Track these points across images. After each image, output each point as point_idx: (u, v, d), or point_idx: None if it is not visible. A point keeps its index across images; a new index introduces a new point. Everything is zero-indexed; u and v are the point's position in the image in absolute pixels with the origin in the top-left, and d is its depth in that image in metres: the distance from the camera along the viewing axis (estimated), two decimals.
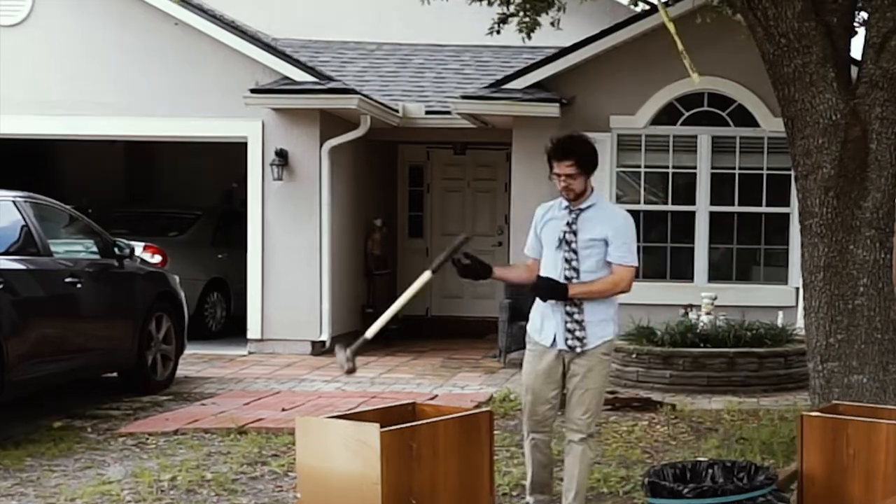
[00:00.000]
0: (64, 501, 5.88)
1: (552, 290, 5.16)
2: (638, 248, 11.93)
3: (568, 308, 5.19)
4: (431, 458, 4.25)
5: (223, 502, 5.89)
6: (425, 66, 14.56)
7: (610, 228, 5.17)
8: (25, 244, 7.84)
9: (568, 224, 5.20)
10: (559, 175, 5.11)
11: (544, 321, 5.25)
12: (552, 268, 5.21)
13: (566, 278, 5.17)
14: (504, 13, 10.08)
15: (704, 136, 11.76)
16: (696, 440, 7.58)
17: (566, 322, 5.19)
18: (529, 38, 10.07)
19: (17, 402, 7.68)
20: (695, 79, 7.10)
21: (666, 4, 10.54)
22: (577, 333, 5.18)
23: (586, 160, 5.11)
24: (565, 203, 5.20)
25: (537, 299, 5.29)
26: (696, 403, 9.05)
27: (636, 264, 5.30)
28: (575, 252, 5.17)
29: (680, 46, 6.87)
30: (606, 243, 5.17)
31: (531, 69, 11.74)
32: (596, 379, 5.23)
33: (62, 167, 15.33)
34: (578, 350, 5.19)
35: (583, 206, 5.19)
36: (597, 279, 5.19)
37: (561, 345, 5.19)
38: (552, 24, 10.04)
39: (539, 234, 5.33)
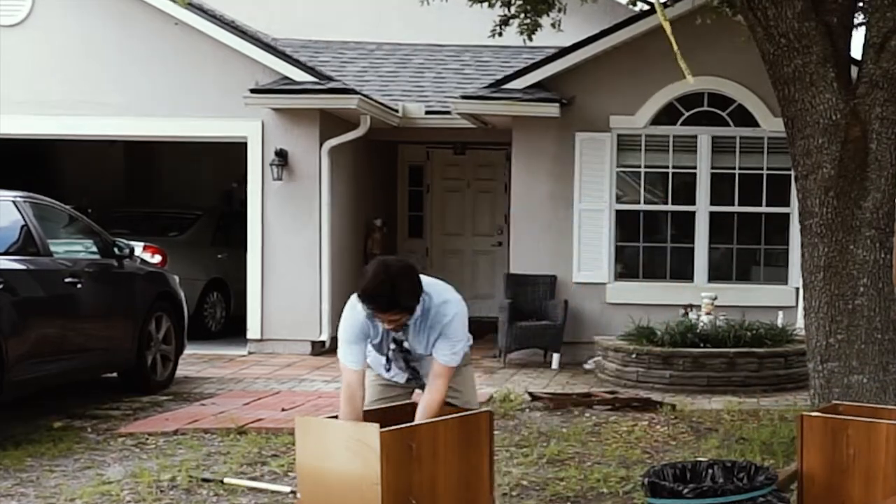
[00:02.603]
0: (64, 501, 5.88)
1: None
2: (638, 248, 11.81)
3: (409, 374, 4.92)
4: (431, 459, 4.25)
5: (223, 502, 5.89)
6: (425, 66, 14.56)
7: (439, 331, 4.64)
8: (25, 244, 7.84)
9: (397, 342, 4.74)
10: (382, 320, 4.55)
11: (395, 377, 4.99)
12: (392, 366, 4.89)
13: (411, 372, 4.90)
14: (505, 15, 10.10)
15: (704, 136, 11.76)
16: (696, 440, 7.58)
17: (416, 384, 4.97)
18: (531, 39, 10.09)
19: (17, 402, 7.69)
20: (689, 80, 7.09)
21: (665, 5, 10.57)
22: (420, 382, 4.94)
23: (412, 302, 4.50)
24: None
25: (378, 361, 4.90)
26: (696, 403, 9.05)
27: (458, 363, 4.75)
28: (415, 370, 4.86)
29: (675, 48, 6.87)
30: (437, 342, 4.67)
31: (531, 69, 11.74)
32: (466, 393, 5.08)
33: (62, 167, 15.33)
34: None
35: (408, 321, 4.62)
36: (426, 404, 4.62)
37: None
38: (553, 25, 10.06)
39: (370, 341, 4.73)
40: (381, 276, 4.42)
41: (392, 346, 4.76)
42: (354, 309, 4.64)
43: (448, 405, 4.74)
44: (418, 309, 4.57)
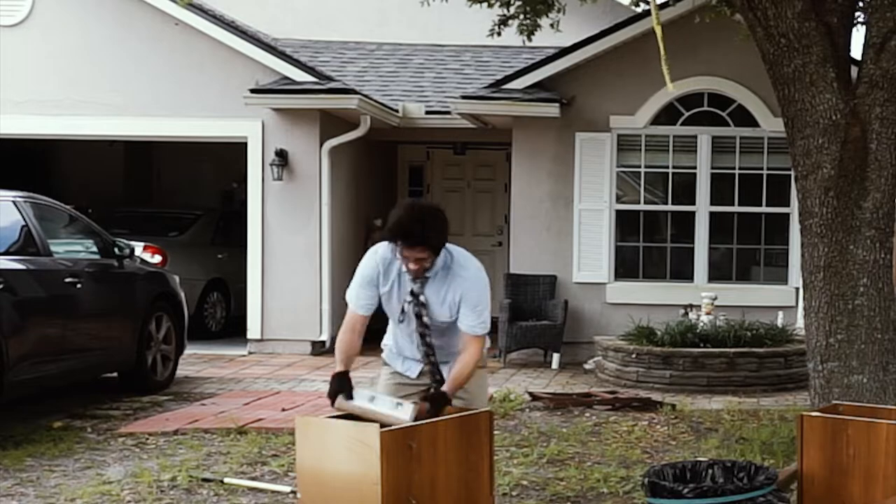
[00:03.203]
0: (64, 501, 5.88)
1: (441, 404, 4.63)
2: (638, 248, 11.81)
3: (425, 349, 4.80)
4: (431, 458, 4.25)
5: (223, 502, 5.89)
6: (425, 66, 14.56)
7: (460, 293, 4.65)
8: (25, 244, 7.84)
9: (414, 294, 4.67)
10: (407, 258, 4.54)
11: (408, 359, 4.94)
12: (407, 342, 4.84)
13: (425, 354, 4.79)
14: (504, 15, 10.09)
15: (704, 136, 11.76)
16: (696, 440, 7.58)
17: (429, 366, 4.85)
18: (530, 39, 10.09)
19: (17, 402, 7.69)
20: (669, 88, 7.09)
21: (665, 5, 10.57)
22: (437, 377, 4.80)
23: (440, 242, 4.54)
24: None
25: (396, 334, 4.90)
26: (696, 403, 9.05)
27: (486, 331, 4.76)
28: (428, 327, 4.71)
29: (662, 52, 6.87)
30: (459, 308, 4.66)
31: (531, 69, 11.74)
32: (478, 396, 4.98)
33: (62, 167, 15.34)
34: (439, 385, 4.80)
35: (429, 273, 4.63)
36: (459, 366, 4.68)
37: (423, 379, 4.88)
38: (552, 26, 10.04)
39: (378, 290, 4.71)
40: (412, 212, 4.54)
41: (409, 298, 4.67)
42: (375, 254, 4.73)
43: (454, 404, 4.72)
44: (440, 260, 4.61)
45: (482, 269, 4.81)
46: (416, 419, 4.45)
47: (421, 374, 4.86)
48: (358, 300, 4.72)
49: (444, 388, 4.65)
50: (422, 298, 4.66)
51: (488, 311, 4.75)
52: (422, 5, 9.66)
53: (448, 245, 4.68)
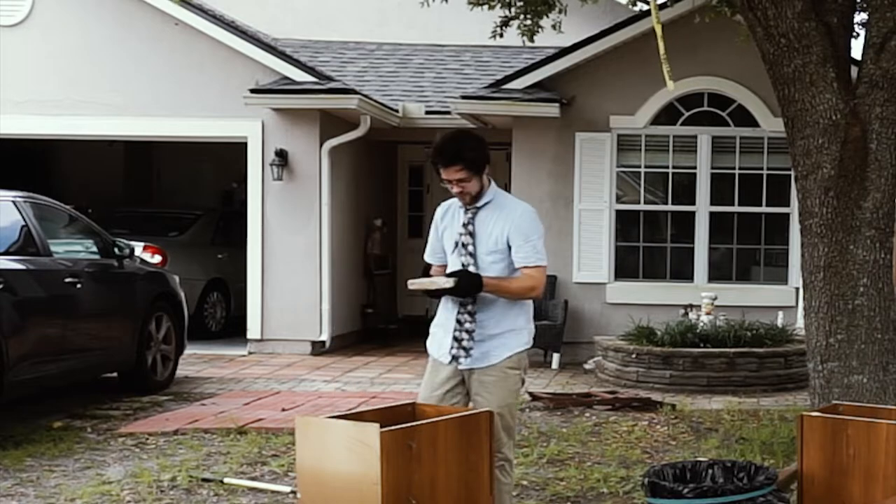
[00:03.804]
0: (64, 501, 5.88)
1: (471, 285, 4.61)
2: (638, 248, 11.80)
3: (460, 315, 4.70)
4: (431, 458, 4.25)
5: (223, 502, 5.89)
6: (425, 66, 14.56)
7: (509, 226, 4.66)
8: (25, 244, 7.85)
9: (464, 225, 4.74)
10: (449, 181, 4.66)
11: (442, 333, 4.79)
12: (450, 304, 4.77)
13: (458, 315, 4.70)
14: (506, 16, 10.09)
15: (704, 136, 11.76)
16: (696, 440, 7.58)
17: (455, 330, 4.71)
18: (532, 41, 10.08)
19: (17, 402, 7.69)
20: (669, 86, 7.07)
21: (665, 5, 10.57)
22: (465, 343, 4.69)
23: (476, 159, 4.65)
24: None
25: (441, 306, 4.80)
26: (696, 403, 9.05)
27: (546, 263, 4.75)
28: (473, 256, 4.69)
29: (662, 51, 6.86)
30: (509, 245, 4.66)
31: (531, 69, 11.74)
32: (501, 396, 4.69)
33: (62, 167, 15.34)
34: (479, 366, 4.69)
35: (480, 203, 4.72)
36: (512, 278, 4.69)
37: (464, 361, 4.69)
38: (553, 26, 10.04)
39: (441, 238, 4.87)
40: (447, 134, 4.76)
41: (460, 230, 4.72)
42: (440, 206, 4.93)
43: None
44: (489, 193, 4.72)
45: (535, 213, 4.83)
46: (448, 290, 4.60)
47: (453, 358, 4.71)
48: (430, 249, 4.94)
49: (486, 278, 4.63)
50: (470, 228, 4.71)
51: (543, 249, 4.73)
52: (421, 6, 9.66)
53: (504, 192, 4.85)
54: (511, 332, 4.74)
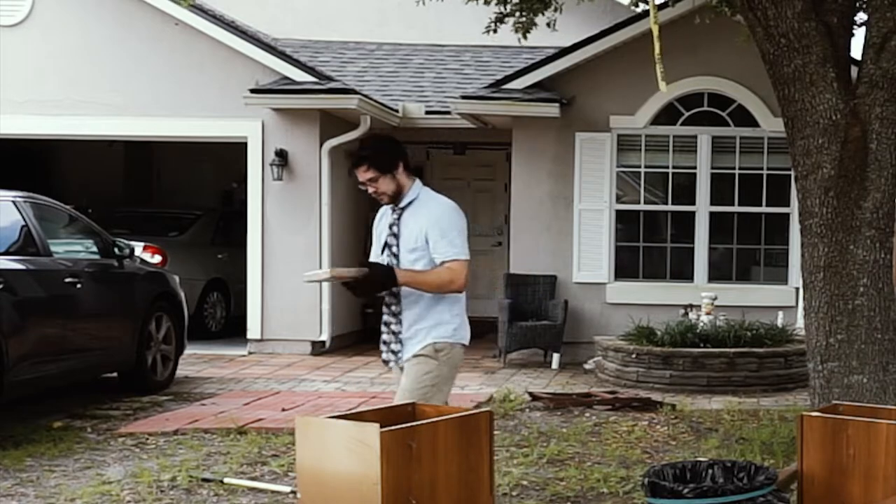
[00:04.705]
0: (64, 501, 5.88)
1: (381, 276, 4.68)
2: (638, 248, 11.76)
3: (385, 317, 4.81)
4: (431, 458, 4.25)
5: (223, 502, 5.89)
6: (425, 66, 14.56)
7: (427, 223, 4.72)
8: (25, 244, 7.85)
9: (390, 226, 4.85)
10: (364, 183, 4.81)
11: (382, 334, 4.87)
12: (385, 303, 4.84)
13: (392, 293, 4.77)
14: (501, 12, 10.08)
15: (704, 136, 11.76)
16: (696, 440, 7.58)
17: (382, 332, 4.85)
18: (525, 38, 10.07)
19: (17, 402, 7.69)
20: (662, 88, 7.08)
21: (665, 5, 10.57)
22: (393, 347, 4.80)
23: (379, 159, 4.75)
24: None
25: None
26: (696, 403, 9.05)
27: (466, 257, 4.76)
28: (396, 257, 4.77)
29: (658, 52, 6.86)
30: (428, 242, 4.72)
31: (531, 69, 11.74)
32: (410, 382, 4.70)
33: (62, 167, 15.34)
34: (404, 358, 4.79)
35: (403, 204, 4.81)
36: (429, 270, 4.73)
37: (393, 365, 4.85)
38: (548, 24, 10.04)
39: (378, 239, 4.96)
40: (361, 142, 4.99)
41: (387, 231, 4.83)
42: (380, 210, 5.01)
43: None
44: (412, 192, 4.80)
45: (457, 208, 4.86)
46: (355, 280, 4.66)
47: (384, 362, 4.86)
48: (373, 254, 4.97)
49: (398, 271, 4.69)
50: (395, 229, 4.80)
51: (462, 244, 4.76)
52: (417, 4, 9.66)
53: (430, 190, 4.92)
54: (435, 326, 4.78)
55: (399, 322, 4.78)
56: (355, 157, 4.84)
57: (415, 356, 4.76)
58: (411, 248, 4.75)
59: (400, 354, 4.79)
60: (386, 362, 4.88)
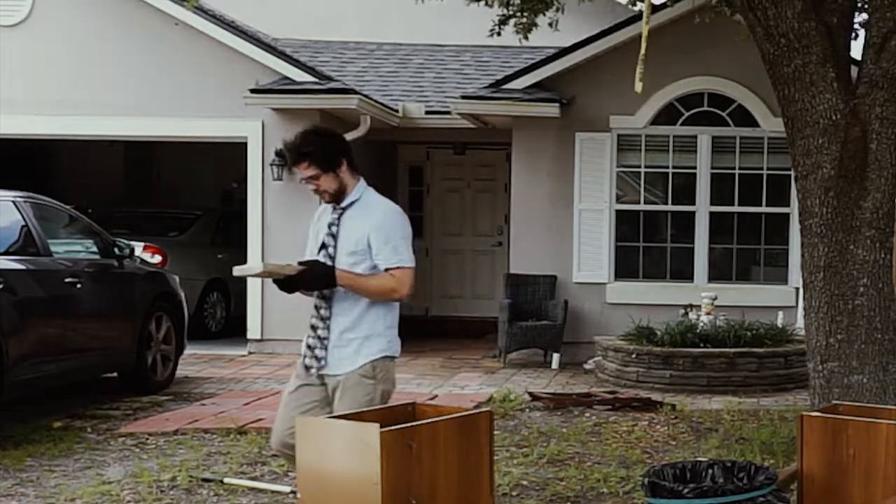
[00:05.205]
0: (64, 501, 5.88)
1: (319, 274, 4.46)
2: (638, 248, 11.75)
3: (313, 320, 4.57)
4: (431, 458, 4.25)
5: (223, 502, 5.89)
6: (425, 66, 14.56)
7: (370, 227, 4.49)
8: (25, 244, 7.85)
9: (329, 225, 4.59)
10: (304, 180, 4.56)
11: (307, 337, 4.63)
12: (315, 304, 4.62)
13: (323, 296, 4.54)
14: (504, 14, 10.09)
15: (704, 136, 11.76)
16: (696, 440, 7.58)
17: (308, 336, 4.60)
18: (527, 38, 10.09)
19: (17, 402, 7.69)
20: (637, 88, 7.07)
21: (665, 5, 10.57)
22: (317, 352, 4.56)
23: (323, 154, 4.49)
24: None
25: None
26: (696, 403, 9.05)
27: (411, 264, 4.53)
28: (333, 259, 4.52)
29: (643, 52, 6.87)
30: (370, 246, 4.49)
31: (531, 69, 11.74)
32: (350, 405, 4.45)
33: (62, 167, 15.34)
34: (334, 372, 4.55)
35: (344, 203, 4.56)
36: (371, 275, 4.50)
37: (314, 372, 4.56)
38: (550, 24, 10.04)
39: (315, 238, 4.69)
40: (301, 131, 4.61)
41: (325, 230, 4.59)
42: (319, 209, 4.77)
43: None
44: (354, 193, 4.57)
45: (402, 212, 4.66)
46: (291, 279, 4.47)
47: (306, 367, 4.59)
48: (308, 253, 4.71)
49: (339, 270, 4.47)
50: (334, 229, 4.57)
51: (407, 251, 4.54)
52: (416, 2, 9.66)
53: (374, 191, 4.70)
54: (368, 338, 4.55)
55: (327, 328, 4.56)
56: (295, 152, 4.53)
57: (353, 375, 4.53)
58: (350, 251, 4.52)
59: (324, 361, 4.55)
60: (308, 368, 4.58)
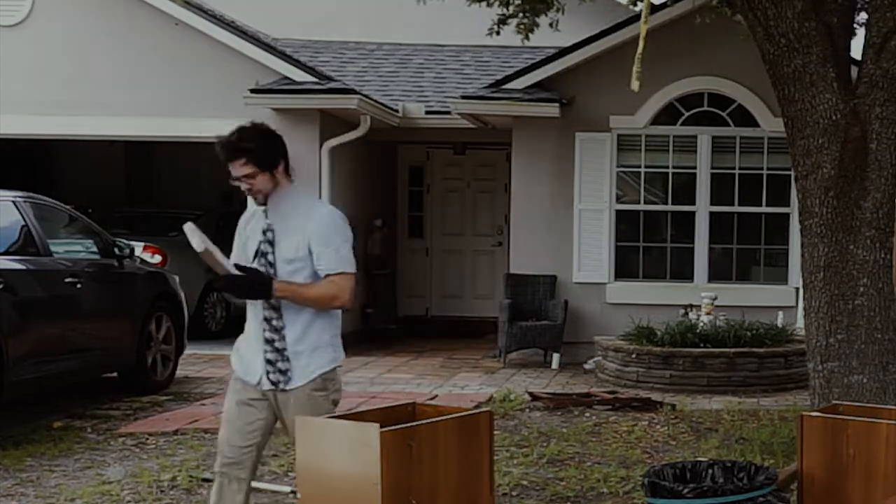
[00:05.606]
0: (64, 501, 5.88)
1: (256, 284, 4.23)
2: (638, 248, 11.75)
3: (267, 333, 4.31)
4: (431, 458, 4.25)
5: None
6: (425, 66, 14.56)
7: (309, 231, 4.25)
8: (25, 244, 7.85)
9: (263, 232, 4.36)
10: (237, 178, 4.31)
11: (248, 351, 4.39)
12: (255, 315, 4.40)
13: (272, 306, 4.29)
14: (504, 14, 10.09)
15: (704, 136, 11.76)
16: (696, 440, 7.58)
17: (265, 352, 4.32)
18: (528, 39, 10.09)
19: (17, 402, 7.69)
20: (634, 86, 7.07)
21: (665, 5, 10.58)
22: (280, 365, 4.30)
23: (262, 152, 4.28)
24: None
25: (250, 317, 4.38)
26: (696, 403, 9.05)
27: (352, 270, 4.30)
28: (273, 266, 4.29)
29: (640, 50, 6.87)
30: (310, 251, 4.25)
31: (531, 69, 11.74)
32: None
33: (62, 167, 15.33)
34: (283, 387, 4.32)
35: (279, 207, 4.35)
36: (311, 284, 4.27)
37: (265, 383, 4.32)
38: (550, 25, 10.04)
39: (245, 248, 4.46)
40: (237, 126, 4.34)
41: (260, 237, 4.37)
42: (246, 214, 4.61)
43: None
44: (291, 195, 4.37)
45: (342, 216, 4.42)
46: (224, 281, 4.27)
47: (272, 383, 4.34)
48: (233, 260, 4.48)
49: (276, 282, 4.23)
50: (269, 235, 4.34)
51: (349, 255, 4.31)
52: (417, 3, 9.66)
53: (310, 194, 4.50)
54: (315, 351, 4.34)
55: (283, 339, 4.31)
56: (231, 148, 4.25)
57: (302, 391, 4.33)
58: (290, 258, 4.28)
59: (289, 374, 4.31)
60: (275, 384, 4.32)
